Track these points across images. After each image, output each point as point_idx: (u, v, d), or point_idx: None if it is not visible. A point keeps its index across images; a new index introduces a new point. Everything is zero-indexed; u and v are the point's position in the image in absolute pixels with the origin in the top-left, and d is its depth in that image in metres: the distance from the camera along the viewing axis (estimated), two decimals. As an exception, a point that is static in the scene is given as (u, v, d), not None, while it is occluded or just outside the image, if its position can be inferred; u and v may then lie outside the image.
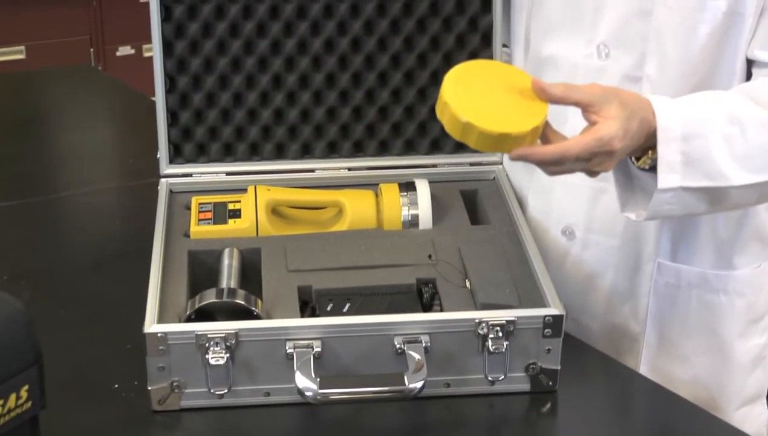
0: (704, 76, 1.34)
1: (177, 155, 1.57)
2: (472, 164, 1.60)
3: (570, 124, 1.23)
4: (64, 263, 1.62)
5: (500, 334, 1.25)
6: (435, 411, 1.27)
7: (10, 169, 1.96)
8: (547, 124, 1.19)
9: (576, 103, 1.18)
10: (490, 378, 1.28)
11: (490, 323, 1.25)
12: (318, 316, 1.30)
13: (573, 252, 1.48)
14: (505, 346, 1.25)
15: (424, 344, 1.24)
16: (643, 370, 1.47)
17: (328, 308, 1.31)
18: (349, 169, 1.58)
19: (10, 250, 1.65)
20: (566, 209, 1.48)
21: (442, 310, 1.32)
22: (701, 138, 1.23)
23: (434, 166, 1.60)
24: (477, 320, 1.25)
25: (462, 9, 1.54)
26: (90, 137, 2.16)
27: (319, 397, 1.20)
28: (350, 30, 1.54)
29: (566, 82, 1.21)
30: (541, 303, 1.30)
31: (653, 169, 1.24)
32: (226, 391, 1.25)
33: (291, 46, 1.54)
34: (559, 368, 1.28)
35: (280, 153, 1.58)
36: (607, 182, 1.37)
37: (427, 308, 1.34)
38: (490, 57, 1.54)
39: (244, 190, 1.51)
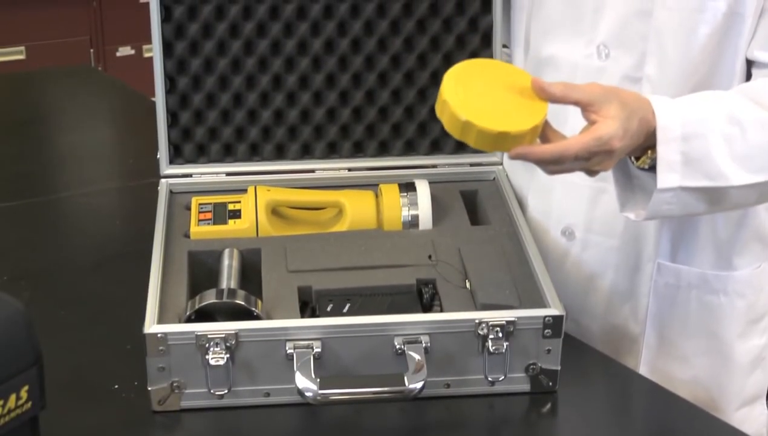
0: (704, 77, 1.34)
1: (177, 156, 1.57)
2: (472, 165, 1.60)
3: (570, 124, 1.23)
4: (64, 263, 1.62)
5: (500, 334, 1.25)
6: (435, 412, 1.27)
7: (10, 170, 1.96)
8: (546, 124, 1.19)
9: (575, 103, 1.18)
10: (490, 379, 1.28)
11: (490, 323, 1.25)
12: (318, 316, 1.30)
13: (573, 252, 1.48)
14: (505, 346, 1.25)
15: (424, 345, 1.24)
16: (643, 370, 1.47)
17: (328, 309, 1.31)
18: (349, 169, 1.58)
19: (10, 250, 1.65)
20: (566, 210, 1.48)
21: (442, 310, 1.32)
22: (701, 138, 1.23)
23: (434, 166, 1.60)
24: (477, 321, 1.25)
25: (462, 9, 1.54)
26: (90, 138, 2.16)
27: (319, 397, 1.20)
28: (350, 30, 1.54)
29: (566, 82, 1.21)
30: (541, 303, 1.30)
31: (653, 168, 1.24)
32: (226, 391, 1.25)
33: (291, 46, 1.54)
34: (559, 368, 1.28)
35: (280, 153, 1.58)
36: (606, 183, 1.37)
37: (427, 308, 1.34)
38: (490, 57, 1.54)
39: (244, 190, 1.51)
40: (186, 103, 1.55)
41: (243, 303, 1.27)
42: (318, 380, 1.20)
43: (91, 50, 4.08)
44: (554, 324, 1.26)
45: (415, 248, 1.42)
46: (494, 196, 1.55)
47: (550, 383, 1.29)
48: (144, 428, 1.25)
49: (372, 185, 1.54)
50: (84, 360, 1.36)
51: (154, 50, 1.51)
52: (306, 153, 1.59)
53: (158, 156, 1.56)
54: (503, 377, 1.28)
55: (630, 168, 1.28)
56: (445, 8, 1.53)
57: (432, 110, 1.56)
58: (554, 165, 1.18)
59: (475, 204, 1.56)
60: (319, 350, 1.24)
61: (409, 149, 1.60)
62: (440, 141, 1.59)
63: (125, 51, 4.13)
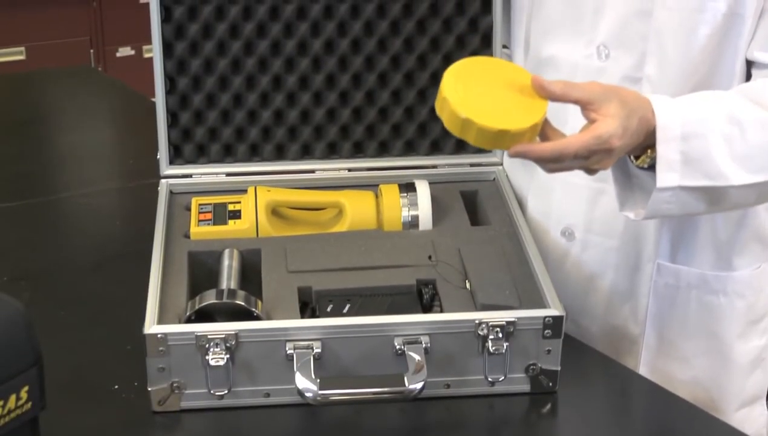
0: (704, 77, 1.34)
1: (177, 156, 1.57)
2: (472, 165, 1.60)
3: (570, 125, 1.23)
4: (64, 263, 1.62)
5: (500, 335, 1.25)
6: (435, 412, 1.27)
7: (10, 170, 1.96)
8: (546, 122, 1.19)
9: (575, 101, 1.18)
10: (490, 379, 1.28)
11: (490, 323, 1.25)
12: (318, 317, 1.30)
13: (573, 253, 1.48)
14: (505, 347, 1.25)
15: (424, 345, 1.24)
16: (643, 371, 1.47)
17: (328, 309, 1.31)
18: (349, 170, 1.58)
19: (10, 251, 1.65)
20: (566, 210, 1.48)
21: (442, 311, 1.32)
22: (701, 138, 1.23)
23: (434, 167, 1.60)
24: (477, 321, 1.25)
25: (462, 10, 1.54)
26: (90, 138, 2.16)
27: (319, 398, 1.20)
28: (350, 31, 1.54)
29: (566, 80, 1.20)
30: (541, 304, 1.30)
31: (652, 168, 1.24)
32: (226, 392, 1.25)
33: (291, 47, 1.54)
34: (559, 368, 1.28)
35: (280, 154, 1.58)
36: (606, 183, 1.37)
37: (427, 308, 1.34)
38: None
39: (244, 191, 1.51)
40: (186, 103, 1.55)
41: (243, 304, 1.27)
42: (318, 380, 1.20)
43: (91, 51, 4.08)
44: (554, 325, 1.26)
45: (415, 249, 1.42)
46: (494, 197, 1.55)
47: (550, 384, 1.29)
48: (144, 429, 1.25)
49: (372, 186, 1.54)
50: (84, 361, 1.36)
51: (154, 51, 1.51)
52: (306, 153, 1.59)
53: (158, 156, 1.56)
54: (503, 378, 1.28)
55: (629, 167, 1.28)
56: (445, 8, 1.53)
57: (432, 111, 1.56)
58: (553, 163, 1.18)
59: (475, 204, 1.56)
60: (319, 350, 1.24)
61: (409, 150, 1.60)
62: (440, 141, 1.59)
63: (125, 51, 4.13)
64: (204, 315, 1.27)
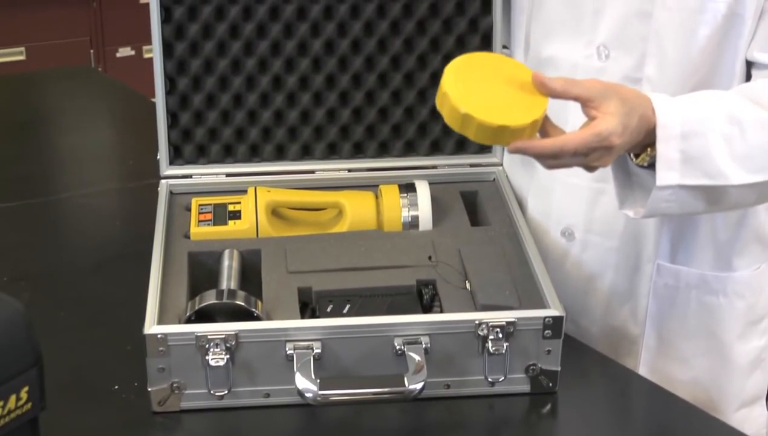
0: (704, 78, 1.34)
1: (177, 156, 1.57)
2: (472, 166, 1.60)
3: (571, 123, 1.23)
4: (64, 264, 1.62)
5: (500, 335, 1.25)
6: (435, 412, 1.27)
7: (10, 171, 1.96)
8: (546, 119, 1.19)
9: (575, 98, 1.18)
10: (490, 379, 1.28)
11: (490, 324, 1.25)
12: (318, 317, 1.30)
13: (572, 253, 1.48)
14: (505, 347, 1.25)
15: (424, 346, 1.24)
16: (643, 371, 1.47)
17: (328, 310, 1.31)
18: (349, 170, 1.58)
19: (10, 251, 1.65)
20: (566, 210, 1.48)
21: (442, 311, 1.32)
22: (701, 136, 1.23)
23: (434, 167, 1.60)
24: (477, 322, 1.25)
25: (462, 10, 1.54)
26: (90, 139, 2.16)
27: (319, 398, 1.20)
28: (350, 31, 1.54)
29: (566, 77, 1.20)
30: (541, 304, 1.30)
31: (652, 166, 1.24)
32: (226, 392, 1.25)
33: (291, 47, 1.54)
34: (559, 369, 1.28)
35: (280, 154, 1.58)
36: (606, 183, 1.37)
37: (427, 309, 1.34)
38: (491, 56, 1.54)
39: (244, 191, 1.51)
40: (186, 103, 1.55)
41: (243, 304, 1.27)
42: (318, 380, 1.20)
43: (91, 51, 4.08)
44: (554, 325, 1.26)
45: (415, 249, 1.42)
46: (494, 197, 1.55)
47: (550, 384, 1.29)
48: (144, 429, 1.25)
49: (372, 186, 1.54)
50: (84, 361, 1.36)
51: (154, 51, 1.52)
52: (306, 154, 1.59)
53: (158, 157, 1.56)
54: (503, 378, 1.28)
55: (629, 165, 1.28)
56: (445, 9, 1.53)
57: (432, 111, 1.57)
58: (553, 160, 1.18)
59: (475, 205, 1.56)
60: (319, 350, 1.24)
61: (409, 150, 1.60)
62: (440, 142, 1.59)
63: (125, 52, 4.13)
64: (204, 315, 1.27)
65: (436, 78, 1.53)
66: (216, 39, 1.53)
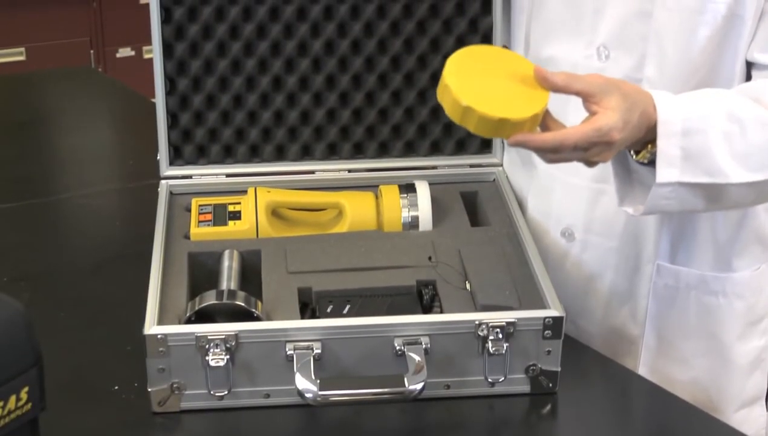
0: (704, 79, 1.34)
1: (177, 157, 1.57)
2: (472, 166, 1.60)
3: (571, 121, 1.23)
4: (64, 264, 1.62)
5: (500, 335, 1.25)
6: (435, 413, 1.27)
7: (10, 171, 1.96)
8: (547, 113, 1.19)
9: (577, 93, 1.18)
10: (490, 380, 1.28)
11: (490, 324, 1.25)
12: (318, 317, 1.31)
13: (572, 253, 1.48)
14: (505, 347, 1.25)
15: (424, 346, 1.24)
16: (642, 372, 1.47)
17: (328, 310, 1.31)
18: (349, 170, 1.58)
19: (10, 251, 1.65)
20: (566, 211, 1.48)
21: (442, 311, 1.32)
22: (701, 134, 1.23)
23: (434, 167, 1.60)
24: (477, 322, 1.25)
25: (462, 10, 1.54)
26: (90, 139, 2.16)
27: (319, 399, 1.20)
28: (350, 32, 1.54)
29: (568, 72, 1.20)
30: (541, 305, 1.30)
31: (652, 163, 1.24)
32: (226, 393, 1.25)
33: (291, 47, 1.54)
34: (559, 369, 1.28)
35: (280, 155, 1.58)
36: (606, 184, 1.37)
37: (427, 309, 1.34)
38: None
39: (244, 191, 1.51)
40: (186, 104, 1.55)
41: (243, 304, 1.27)
42: (318, 381, 1.20)
43: (91, 51, 4.08)
44: (554, 325, 1.26)
45: (415, 249, 1.42)
46: (494, 198, 1.55)
47: (550, 385, 1.29)
48: (144, 430, 1.25)
49: (372, 186, 1.54)
50: (84, 361, 1.36)
51: (154, 51, 1.52)
52: (306, 154, 1.59)
53: (158, 157, 1.56)
54: (503, 379, 1.28)
55: (629, 162, 1.28)
56: (445, 9, 1.53)
57: (432, 111, 1.57)
58: (553, 154, 1.18)
59: (475, 205, 1.56)
60: (319, 351, 1.24)
61: (409, 150, 1.60)
62: (440, 142, 1.59)
63: (125, 52, 4.13)
64: (204, 316, 1.27)
65: (436, 78, 1.53)
66: (216, 39, 1.53)
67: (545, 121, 1.19)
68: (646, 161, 1.25)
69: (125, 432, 1.25)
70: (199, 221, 1.47)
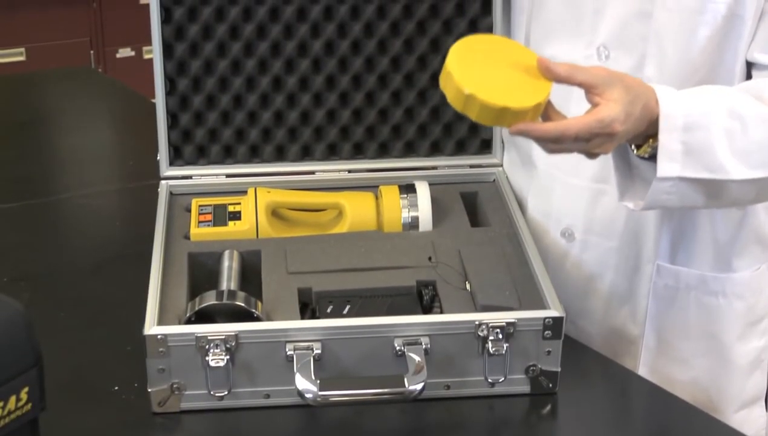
0: (704, 79, 1.34)
1: (177, 157, 1.57)
2: (472, 166, 1.60)
3: (573, 113, 1.22)
4: (64, 265, 1.62)
5: (500, 336, 1.25)
6: (435, 413, 1.27)
7: (10, 172, 1.96)
8: (549, 104, 1.19)
9: (580, 84, 1.18)
10: (490, 380, 1.28)
11: (490, 324, 1.25)
12: (318, 318, 1.31)
13: (572, 254, 1.48)
14: (505, 348, 1.25)
15: (424, 346, 1.24)
16: (642, 372, 1.47)
17: (328, 310, 1.31)
18: (349, 171, 1.58)
19: (10, 252, 1.65)
20: (566, 211, 1.48)
21: (442, 312, 1.32)
22: (703, 129, 1.23)
23: (434, 168, 1.60)
24: (477, 322, 1.25)
25: (462, 11, 1.54)
26: (90, 139, 2.17)
27: (319, 399, 1.20)
28: (350, 32, 1.54)
29: (571, 63, 1.20)
30: (541, 305, 1.30)
31: (653, 158, 1.24)
32: (226, 393, 1.25)
33: (291, 48, 1.54)
34: (559, 369, 1.28)
35: (280, 155, 1.58)
36: (606, 184, 1.37)
37: (427, 309, 1.34)
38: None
39: (244, 192, 1.51)
40: (186, 104, 1.55)
41: (243, 305, 1.27)
42: (318, 381, 1.20)
43: (91, 52, 4.08)
44: (554, 325, 1.26)
45: (415, 250, 1.42)
46: (494, 198, 1.55)
47: (550, 385, 1.29)
48: (144, 430, 1.25)
49: (372, 187, 1.54)
50: (84, 362, 1.36)
51: (154, 52, 1.52)
52: (306, 154, 1.59)
53: (158, 157, 1.56)
54: (503, 379, 1.28)
55: (630, 157, 1.27)
56: (445, 10, 1.53)
57: (432, 112, 1.57)
58: (554, 144, 1.18)
59: (475, 206, 1.56)
60: (319, 351, 1.24)
61: (409, 151, 1.60)
62: (440, 142, 1.59)
63: (125, 52, 4.13)
64: (204, 316, 1.27)
65: (436, 79, 1.53)
66: (216, 40, 1.53)
67: (547, 112, 1.19)
68: (647, 156, 1.25)
69: (125, 432, 1.25)
70: (199, 222, 1.47)
